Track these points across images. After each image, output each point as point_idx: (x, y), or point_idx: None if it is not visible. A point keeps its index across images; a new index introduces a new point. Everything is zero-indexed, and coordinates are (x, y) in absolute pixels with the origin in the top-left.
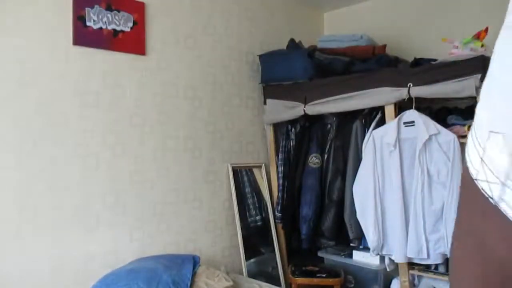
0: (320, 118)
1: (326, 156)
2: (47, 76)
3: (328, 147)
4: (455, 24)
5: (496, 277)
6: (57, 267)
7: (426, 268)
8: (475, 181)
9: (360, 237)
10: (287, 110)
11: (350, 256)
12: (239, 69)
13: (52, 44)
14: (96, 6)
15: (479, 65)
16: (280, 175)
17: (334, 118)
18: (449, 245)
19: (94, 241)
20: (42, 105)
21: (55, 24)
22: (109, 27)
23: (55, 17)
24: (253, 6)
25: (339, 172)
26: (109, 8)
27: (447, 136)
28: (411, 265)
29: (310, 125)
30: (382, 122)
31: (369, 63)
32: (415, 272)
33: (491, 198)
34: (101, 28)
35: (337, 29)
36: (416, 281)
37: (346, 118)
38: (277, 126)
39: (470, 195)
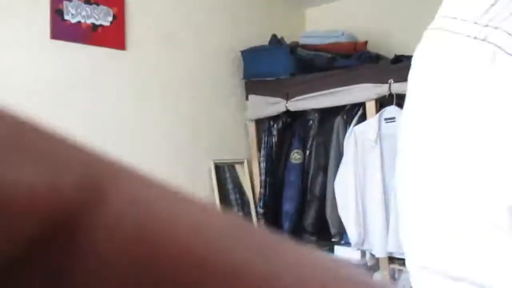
0: (302, 114)
1: (308, 152)
2: (23, 72)
3: (310, 143)
4: None
5: None
6: None
7: None
8: None
9: (342, 232)
10: (269, 106)
11: (332, 251)
12: (221, 65)
13: (28, 38)
14: None
15: None
16: (263, 171)
17: (316, 114)
18: None
19: None
20: (17, 102)
21: (30, 17)
22: (88, 21)
23: (31, 10)
24: (235, 2)
25: (321, 168)
26: (87, 2)
27: None
28: (391, 259)
29: (292, 121)
30: (363, 118)
31: (351, 60)
32: (396, 266)
33: None
34: (79, 22)
35: (319, 25)
36: (396, 275)
37: (328, 114)
38: (259, 122)
39: None
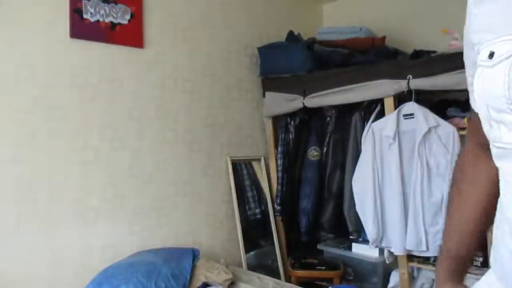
0: (319, 111)
1: (325, 149)
2: (44, 69)
3: (327, 140)
4: (455, 16)
5: None
6: (56, 261)
7: (425, 260)
8: None
9: (360, 229)
10: (286, 103)
11: (350, 248)
12: (238, 61)
13: (49, 37)
14: None
15: None
16: (280, 168)
17: (333, 111)
18: None
19: (93, 234)
20: (39, 99)
21: (51, 17)
22: (107, 20)
23: (51, 9)
24: None
25: (339, 165)
26: (106, 1)
27: (446, 129)
28: (410, 257)
29: (309, 118)
30: (381, 114)
31: (369, 55)
32: (414, 264)
33: None
34: (98, 21)
35: (336, 21)
36: (415, 273)
37: (346, 110)
38: (276, 119)
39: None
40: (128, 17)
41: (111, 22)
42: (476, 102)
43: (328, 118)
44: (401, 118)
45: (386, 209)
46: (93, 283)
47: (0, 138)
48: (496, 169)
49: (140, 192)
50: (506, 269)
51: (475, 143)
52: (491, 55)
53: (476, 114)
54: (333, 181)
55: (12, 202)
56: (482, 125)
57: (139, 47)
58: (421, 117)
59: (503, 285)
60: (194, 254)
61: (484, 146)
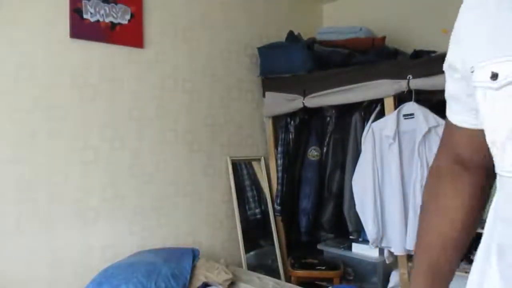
0: (319, 111)
1: (325, 149)
2: (44, 69)
3: (327, 140)
4: (455, 16)
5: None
6: (56, 261)
7: None
8: None
9: (360, 229)
10: (286, 103)
11: (350, 248)
12: (238, 61)
13: (49, 37)
14: None
15: None
16: (280, 168)
17: (333, 111)
18: None
19: (93, 234)
20: (39, 99)
21: (51, 17)
22: (107, 20)
23: (51, 9)
24: None
25: (339, 165)
26: (106, 1)
27: None
28: (410, 257)
29: (309, 118)
30: (381, 114)
31: (369, 55)
32: None
33: None
34: (98, 21)
35: (336, 21)
36: None
37: (346, 110)
38: (276, 119)
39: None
40: (128, 17)
41: (111, 22)
42: (485, 124)
43: (328, 118)
44: (401, 118)
45: (386, 209)
46: (93, 283)
47: (0, 138)
48: (476, 185)
49: (140, 192)
50: None
51: (451, 158)
52: (495, 76)
53: (456, 127)
54: (333, 181)
55: (12, 202)
56: (489, 145)
57: (139, 47)
58: (421, 117)
59: None
60: (194, 254)
61: (463, 160)
